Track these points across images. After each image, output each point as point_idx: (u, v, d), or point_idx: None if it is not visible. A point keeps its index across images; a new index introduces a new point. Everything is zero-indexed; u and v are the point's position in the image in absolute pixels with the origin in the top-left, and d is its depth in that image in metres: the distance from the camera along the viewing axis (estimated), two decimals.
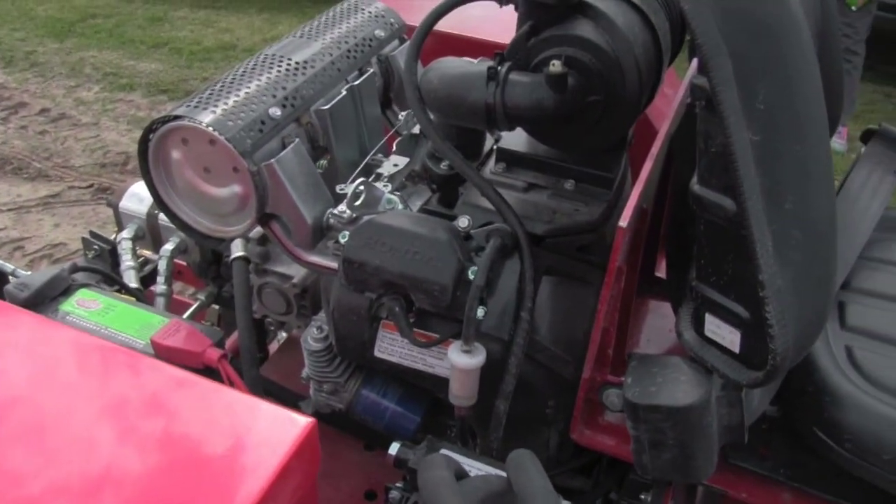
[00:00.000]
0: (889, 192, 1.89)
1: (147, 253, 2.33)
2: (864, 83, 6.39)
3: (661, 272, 2.13)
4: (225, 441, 1.14)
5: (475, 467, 1.42)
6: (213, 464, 1.12)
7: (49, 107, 6.16)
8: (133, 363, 1.32)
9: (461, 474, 1.12)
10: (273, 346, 2.49)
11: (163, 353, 1.61)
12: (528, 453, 1.11)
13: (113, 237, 2.31)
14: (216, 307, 2.41)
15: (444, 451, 1.44)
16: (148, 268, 2.25)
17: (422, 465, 1.10)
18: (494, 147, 1.80)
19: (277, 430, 1.15)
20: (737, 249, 1.23)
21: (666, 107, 2.05)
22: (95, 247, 2.29)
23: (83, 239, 2.31)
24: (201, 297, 2.23)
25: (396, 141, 1.86)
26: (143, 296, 2.07)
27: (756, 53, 1.10)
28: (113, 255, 2.27)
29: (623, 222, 1.36)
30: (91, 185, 5.14)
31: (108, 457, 1.14)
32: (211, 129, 1.53)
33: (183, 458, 1.14)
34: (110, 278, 1.97)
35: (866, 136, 2.01)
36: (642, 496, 1.73)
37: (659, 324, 2.02)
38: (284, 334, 2.47)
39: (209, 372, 1.63)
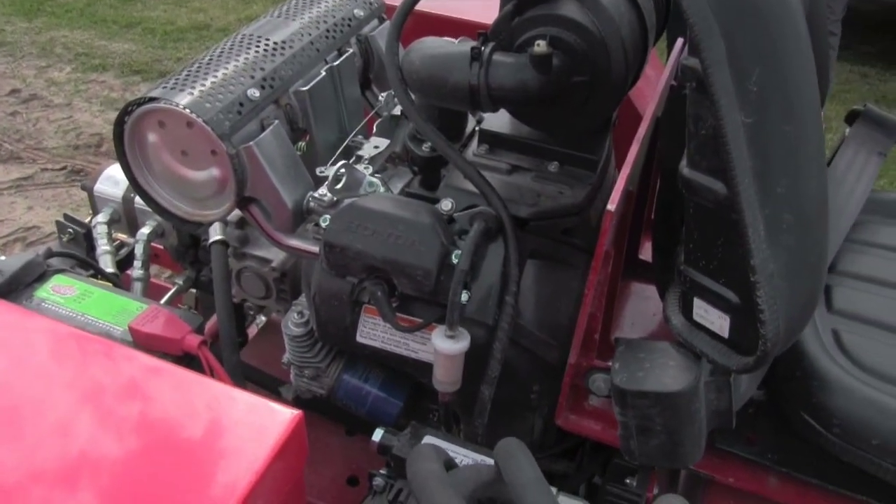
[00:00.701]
0: (874, 173, 1.88)
1: (122, 236, 2.30)
2: (840, 63, 6.38)
3: (644, 255, 2.12)
4: (211, 435, 1.12)
5: (461, 454, 1.40)
6: (199, 459, 1.10)
7: (20, 87, 6.07)
8: (112, 354, 1.29)
9: (450, 464, 1.10)
10: (252, 330, 2.46)
11: (141, 340, 1.58)
12: (516, 442, 1.10)
13: (87, 220, 2.28)
14: (193, 291, 2.38)
15: (430, 439, 1.43)
16: (123, 251, 2.22)
17: (411, 457, 1.09)
18: (476, 128, 1.78)
19: (264, 423, 1.13)
20: (727, 233, 1.21)
21: (646, 87, 2.03)
22: (70, 230, 2.25)
23: (57, 222, 2.27)
24: (179, 281, 2.20)
25: (376, 122, 1.83)
26: (119, 280, 2.04)
27: (750, 34, 1.08)
28: (88, 238, 2.24)
29: (611, 206, 1.34)
30: (64, 168, 5.07)
31: (91, 452, 1.12)
32: (188, 111, 1.50)
33: (167, 452, 1.12)
34: (86, 263, 1.93)
35: (851, 117, 2.00)
36: (627, 480, 1.71)
37: (642, 307, 2.00)
38: (263, 318, 2.44)
39: (189, 358, 1.60)
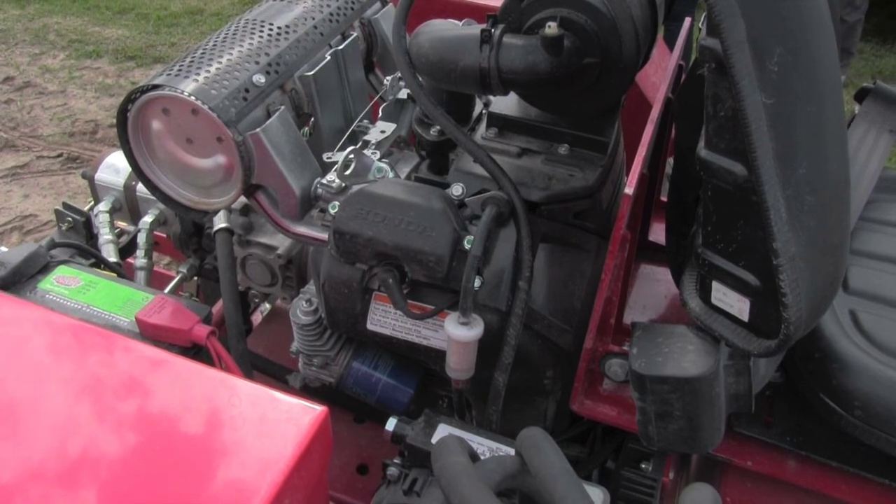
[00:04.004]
0: (886, 151, 1.87)
1: (122, 224, 2.28)
2: None
3: (652, 236, 2.10)
4: (235, 433, 1.10)
5: (475, 441, 1.39)
6: (223, 459, 1.08)
7: (13, 75, 6.05)
8: (124, 348, 1.27)
9: (473, 456, 1.09)
10: (256, 318, 2.45)
11: (148, 331, 1.56)
12: (540, 432, 1.09)
13: (86, 208, 2.26)
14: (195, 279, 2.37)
15: (444, 428, 1.41)
16: (123, 239, 2.20)
17: (436, 450, 1.07)
18: (484, 111, 1.76)
19: (290, 420, 1.11)
20: (746, 215, 1.19)
21: (648, 66, 2.01)
22: (69, 218, 2.23)
23: (56, 211, 2.25)
24: (182, 270, 2.18)
25: (382, 106, 1.81)
26: (122, 270, 2.02)
27: (771, 13, 1.06)
28: (87, 226, 2.22)
29: (629, 190, 1.33)
30: (60, 155, 5.05)
31: (105, 452, 1.10)
32: (193, 98, 1.48)
33: (190, 451, 1.10)
34: (90, 254, 1.91)
35: (861, 95, 1.98)
36: (643, 465, 1.70)
37: (653, 289, 1.99)
38: (268, 305, 2.43)
39: (197, 349, 1.58)
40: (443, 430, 1.42)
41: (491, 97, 1.76)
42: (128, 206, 2.22)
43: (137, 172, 1.63)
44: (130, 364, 1.24)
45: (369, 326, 1.59)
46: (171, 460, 1.08)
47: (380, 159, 1.65)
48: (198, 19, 7.09)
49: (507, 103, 1.72)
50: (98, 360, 1.24)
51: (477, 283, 1.44)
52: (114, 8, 7.24)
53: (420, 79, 1.56)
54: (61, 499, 1.04)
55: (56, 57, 6.36)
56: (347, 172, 1.58)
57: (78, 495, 1.05)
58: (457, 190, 1.55)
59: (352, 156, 1.59)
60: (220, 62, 1.56)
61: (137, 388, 1.19)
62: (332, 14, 1.81)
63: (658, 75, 2.32)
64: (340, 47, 1.78)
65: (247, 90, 1.55)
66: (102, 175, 2.21)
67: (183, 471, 1.07)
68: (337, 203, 1.53)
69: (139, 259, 2.08)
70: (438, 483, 1.02)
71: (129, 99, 1.54)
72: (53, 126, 5.38)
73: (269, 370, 1.99)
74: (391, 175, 1.62)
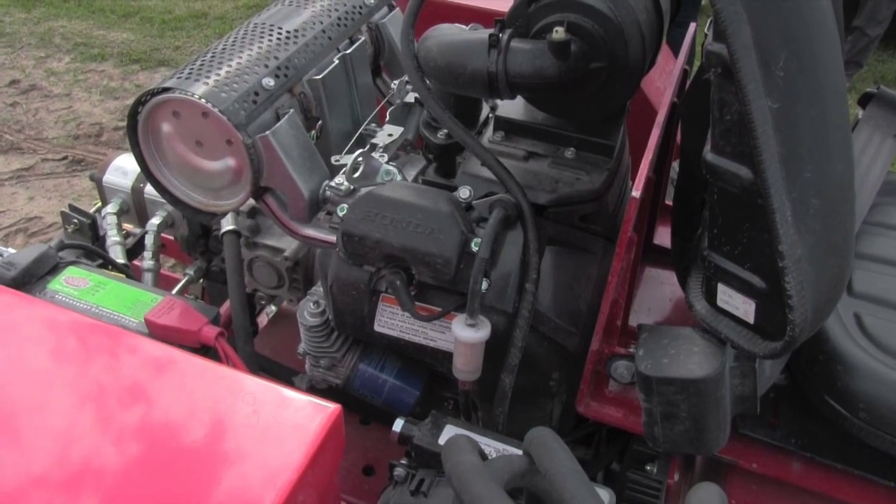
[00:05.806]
0: (890, 155, 1.87)
1: (129, 226, 2.29)
2: None
3: (657, 240, 2.11)
4: (248, 432, 1.11)
5: (482, 442, 1.39)
6: (235, 457, 1.09)
7: (19, 78, 6.06)
8: (136, 344, 1.28)
9: (483, 456, 1.09)
10: (262, 320, 2.46)
11: (157, 331, 1.57)
12: (549, 432, 1.09)
13: (92, 210, 2.27)
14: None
15: (451, 429, 1.42)
16: (130, 241, 2.21)
17: (446, 449, 1.08)
18: (491, 115, 1.77)
19: (303, 418, 1.12)
20: (752, 218, 1.20)
21: (653, 70, 2.03)
22: (75, 220, 2.25)
23: (62, 213, 2.27)
24: (189, 271, 2.19)
25: (389, 110, 1.82)
26: (130, 271, 2.03)
27: (777, 19, 1.07)
28: (93, 228, 2.23)
29: (636, 192, 1.34)
30: (65, 157, 5.07)
31: (116, 448, 1.11)
32: (203, 100, 1.49)
33: (203, 449, 1.11)
34: (98, 255, 1.92)
35: (864, 100, 1.99)
36: (648, 467, 1.71)
37: (658, 292, 2.00)
38: (274, 307, 2.43)
39: (205, 350, 1.59)
40: (449, 431, 1.43)
41: (498, 101, 1.77)
42: (135, 209, 2.23)
43: (147, 175, 1.64)
44: (141, 362, 1.25)
45: (376, 328, 1.60)
46: (183, 457, 1.09)
47: (387, 162, 1.66)
48: (202, 23, 7.10)
49: (513, 107, 1.73)
50: (107, 358, 1.25)
51: (484, 285, 1.44)
52: (118, 11, 7.26)
53: (428, 82, 1.57)
54: None
55: (61, 60, 6.37)
56: (356, 175, 1.59)
57: (82, 499, 1.05)
58: (464, 193, 1.56)
59: (360, 159, 1.60)
60: (229, 66, 1.57)
61: (148, 385, 1.20)
62: (340, 18, 1.82)
63: (663, 80, 2.34)
64: (348, 51, 1.79)
65: (256, 93, 1.56)
66: (110, 177, 2.23)
67: (196, 467, 1.08)
68: (345, 205, 1.54)
69: (146, 261, 2.09)
70: (449, 481, 1.02)
71: (140, 102, 1.55)
72: (58, 129, 5.39)
73: (275, 372, 2.00)
74: (399, 178, 1.63)
